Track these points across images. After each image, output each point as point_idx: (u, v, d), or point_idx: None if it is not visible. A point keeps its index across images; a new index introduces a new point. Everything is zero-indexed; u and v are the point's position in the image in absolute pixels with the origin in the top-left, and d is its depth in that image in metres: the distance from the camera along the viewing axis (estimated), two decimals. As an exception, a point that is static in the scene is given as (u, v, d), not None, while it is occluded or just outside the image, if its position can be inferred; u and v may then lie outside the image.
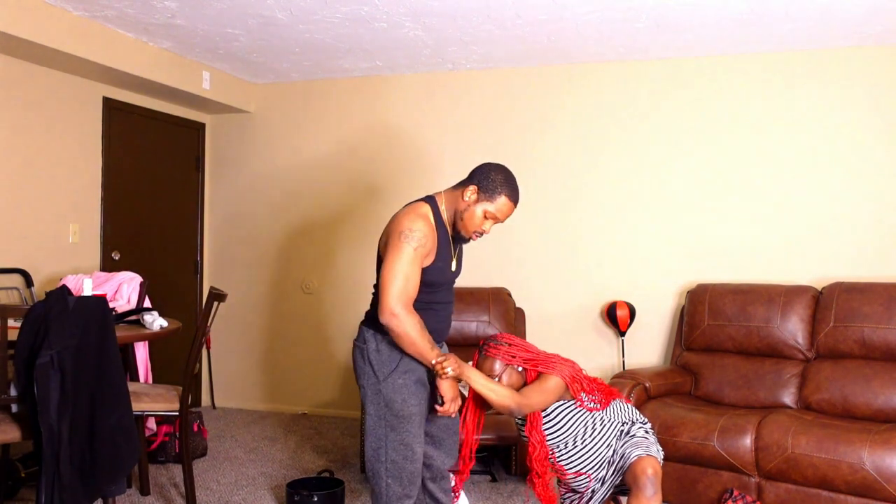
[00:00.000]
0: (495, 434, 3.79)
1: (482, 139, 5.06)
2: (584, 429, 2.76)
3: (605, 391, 2.81)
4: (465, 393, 2.68)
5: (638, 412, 2.89)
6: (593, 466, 2.78)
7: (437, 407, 2.51)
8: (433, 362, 2.45)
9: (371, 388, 2.54)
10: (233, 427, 5.15)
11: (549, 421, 2.77)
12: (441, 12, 3.95)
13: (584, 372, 2.79)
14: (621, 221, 4.82)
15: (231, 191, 5.73)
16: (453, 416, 2.56)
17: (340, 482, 3.63)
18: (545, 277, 4.93)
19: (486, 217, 2.54)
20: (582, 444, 2.76)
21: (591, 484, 2.80)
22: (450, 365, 2.45)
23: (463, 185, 2.58)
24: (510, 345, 2.75)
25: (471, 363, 2.69)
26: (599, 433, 2.77)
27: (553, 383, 2.69)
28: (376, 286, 2.54)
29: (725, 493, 3.48)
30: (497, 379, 2.69)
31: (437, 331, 2.60)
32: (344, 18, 4.08)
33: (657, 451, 2.73)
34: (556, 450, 2.78)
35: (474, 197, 2.53)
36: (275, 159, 5.61)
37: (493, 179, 2.52)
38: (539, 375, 2.72)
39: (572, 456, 2.77)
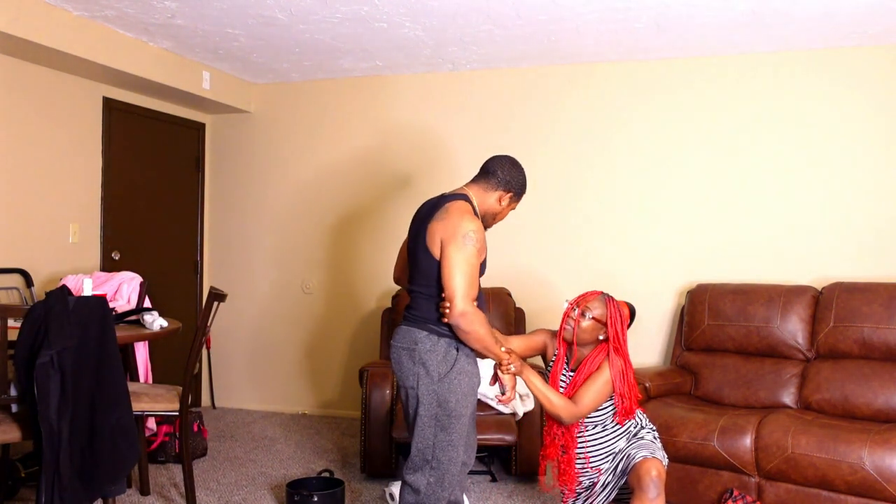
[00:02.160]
0: (495, 434, 3.79)
1: (482, 139, 5.06)
2: (609, 417, 2.82)
3: (634, 402, 2.84)
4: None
5: (646, 417, 2.93)
6: (601, 458, 2.82)
7: (500, 397, 2.69)
8: (501, 349, 2.62)
9: (423, 389, 2.56)
10: (233, 427, 5.15)
11: None
12: (441, 12, 3.95)
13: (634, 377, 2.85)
14: (621, 221, 4.82)
15: (231, 191, 5.72)
16: (511, 401, 2.74)
17: (340, 482, 3.63)
18: (545, 277, 4.93)
19: (510, 211, 2.80)
20: (602, 431, 2.82)
21: (599, 478, 2.82)
22: (513, 363, 2.64)
23: (492, 186, 2.70)
24: (622, 318, 2.82)
25: (580, 296, 2.85)
26: (614, 428, 2.83)
27: (603, 382, 2.76)
28: (418, 290, 2.61)
29: (725, 493, 3.48)
30: (586, 316, 2.78)
31: None
32: (344, 18, 4.08)
33: (662, 456, 2.76)
34: (584, 429, 2.83)
35: (507, 201, 2.73)
36: (274, 159, 5.61)
37: (521, 183, 2.74)
38: (599, 367, 2.77)
39: (594, 439, 2.82)
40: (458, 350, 2.57)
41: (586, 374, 2.78)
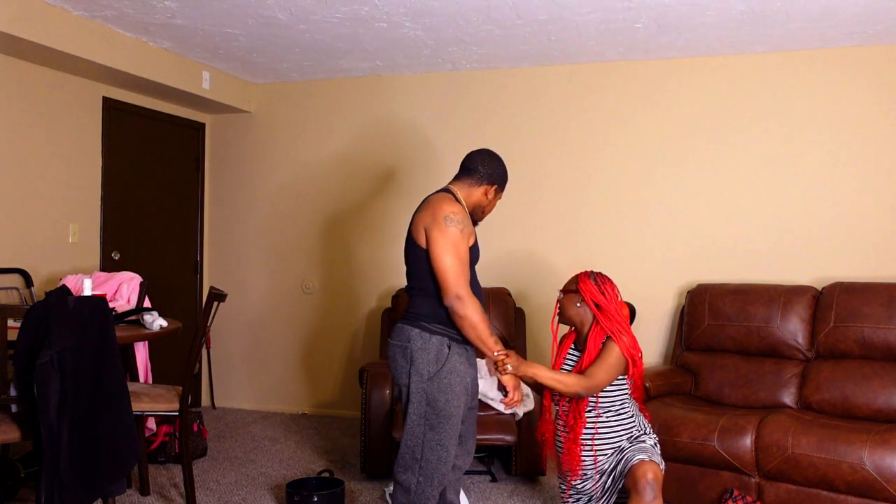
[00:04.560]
0: (495, 434, 3.79)
1: (482, 139, 5.05)
2: (619, 404, 2.86)
3: (640, 385, 2.93)
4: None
5: (649, 425, 2.97)
6: (605, 447, 2.83)
7: (503, 399, 2.63)
8: (495, 354, 2.57)
9: (414, 387, 2.56)
10: (233, 427, 5.15)
11: None
12: (441, 12, 3.95)
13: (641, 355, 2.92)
14: (621, 221, 4.82)
15: (231, 191, 5.72)
16: (518, 405, 2.68)
17: (340, 482, 3.63)
18: (545, 277, 4.92)
19: (496, 202, 2.83)
20: (608, 419, 2.84)
21: (596, 468, 2.82)
22: (510, 363, 2.58)
23: (476, 181, 2.72)
24: (603, 287, 2.91)
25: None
26: (623, 419, 2.85)
27: (616, 358, 2.79)
28: (412, 287, 2.64)
29: (725, 493, 3.48)
30: (560, 295, 2.95)
31: None
32: (344, 18, 4.08)
33: (660, 461, 2.77)
34: (599, 415, 2.85)
35: (493, 193, 2.77)
36: (275, 159, 5.61)
37: (502, 174, 2.78)
38: (604, 346, 2.82)
39: (610, 423, 2.85)
40: (449, 349, 2.56)
41: (591, 351, 2.84)
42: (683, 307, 4.40)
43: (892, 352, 3.75)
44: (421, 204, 2.68)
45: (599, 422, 2.84)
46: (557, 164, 4.94)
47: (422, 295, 2.59)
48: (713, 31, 4.18)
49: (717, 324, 4.15)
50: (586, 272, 2.97)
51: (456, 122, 5.15)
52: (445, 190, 2.71)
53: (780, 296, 4.04)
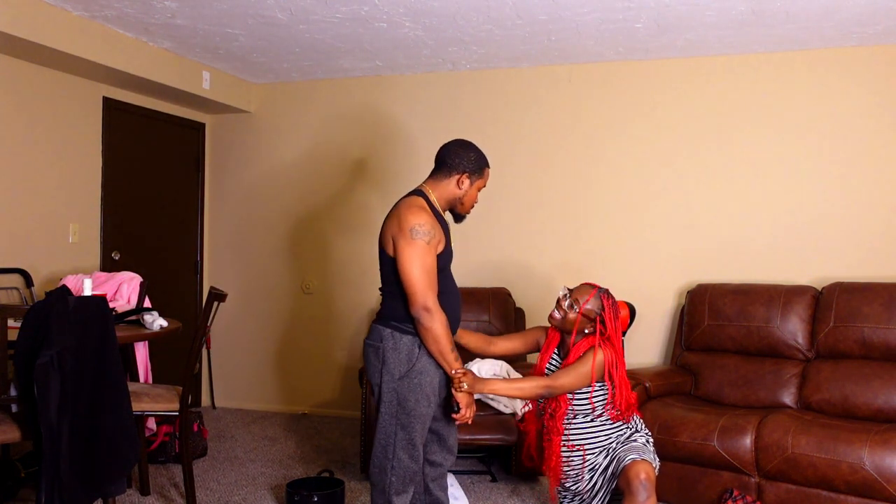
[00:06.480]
0: (495, 434, 3.79)
1: (482, 139, 5.02)
2: (599, 408, 2.82)
3: (628, 405, 2.85)
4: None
5: (642, 422, 2.94)
6: (590, 448, 2.82)
7: (454, 415, 2.59)
8: (453, 372, 2.56)
9: (385, 386, 2.58)
10: (233, 427, 5.15)
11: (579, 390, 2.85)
12: (441, 12, 3.95)
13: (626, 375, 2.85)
14: (621, 221, 4.82)
15: (231, 191, 5.73)
16: (469, 422, 2.65)
17: (340, 482, 3.63)
18: (545, 277, 4.93)
19: (478, 191, 2.75)
20: (591, 422, 2.83)
21: (585, 469, 2.82)
22: (466, 381, 2.56)
23: (445, 174, 2.69)
24: (617, 316, 2.86)
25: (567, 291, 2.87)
26: (604, 424, 2.83)
27: (587, 369, 2.75)
28: (383, 289, 2.66)
29: (725, 493, 3.48)
30: (574, 308, 2.81)
31: (453, 318, 2.67)
32: (344, 18, 4.08)
33: (653, 459, 2.76)
34: (573, 418, 2.84)
35: (468, 182, 2.69)
36: (275, 159, 5.61)
37: (472, 160, 2.69)
38: (584, 354, 2.78)
39: (581, 429, 2.83)
40: (420, 348, 2.58)
41: (572, 358, 2.81)
42: (683, 307, 4.40)
43: (892, 352, 3.75)
44: (392, 209, 2.66)
45: (576, 424, 2.82)
46: (558, 163, 4.94)
47: (392, 297, 2.62)
48: (713, 31, 4.18)
49: (717, 324, 4.15)
50: (606, 295, 2.86)
51: (456, 121, 5.15)
52: (417, 192, 2.68)
53: (780, 296, 4.04)
